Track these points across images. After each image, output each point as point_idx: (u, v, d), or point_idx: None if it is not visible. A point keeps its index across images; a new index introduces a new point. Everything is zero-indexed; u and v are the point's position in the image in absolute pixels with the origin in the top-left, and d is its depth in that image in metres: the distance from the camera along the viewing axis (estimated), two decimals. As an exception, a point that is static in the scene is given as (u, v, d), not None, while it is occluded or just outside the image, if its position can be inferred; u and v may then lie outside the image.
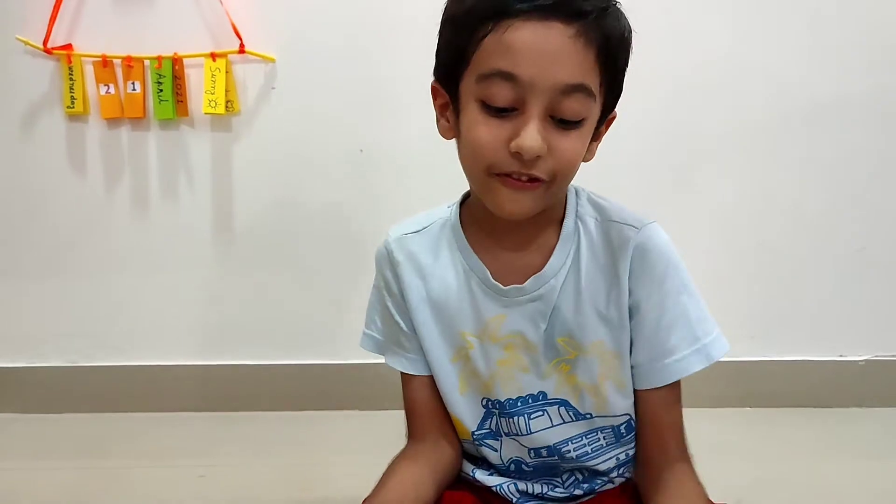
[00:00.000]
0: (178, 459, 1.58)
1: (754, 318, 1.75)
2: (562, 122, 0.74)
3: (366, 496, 0.88)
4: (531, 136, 0.72)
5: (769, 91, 1.66)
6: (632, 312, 0.85)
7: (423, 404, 0.95)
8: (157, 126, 1.70)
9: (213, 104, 1.63)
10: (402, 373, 0.95)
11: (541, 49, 0.70)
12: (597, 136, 0.81)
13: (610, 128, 0.83)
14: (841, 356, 1.77)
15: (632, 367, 0.88)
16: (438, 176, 1.64)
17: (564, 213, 0.88)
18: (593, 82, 0.73)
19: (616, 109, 0.80)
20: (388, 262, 0.93)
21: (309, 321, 1.78)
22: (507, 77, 0.72)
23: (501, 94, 0.73)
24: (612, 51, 0.73)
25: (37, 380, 1.79)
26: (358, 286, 1.72)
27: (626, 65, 0.77)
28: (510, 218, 0.80)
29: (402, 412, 0.96)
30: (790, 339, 1.77)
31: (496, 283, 0.88)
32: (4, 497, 1.44)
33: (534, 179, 0.76)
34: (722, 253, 1.72)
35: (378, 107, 1.68)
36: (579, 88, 0.72)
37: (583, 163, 0.80)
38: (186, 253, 1.75)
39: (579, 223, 0.87)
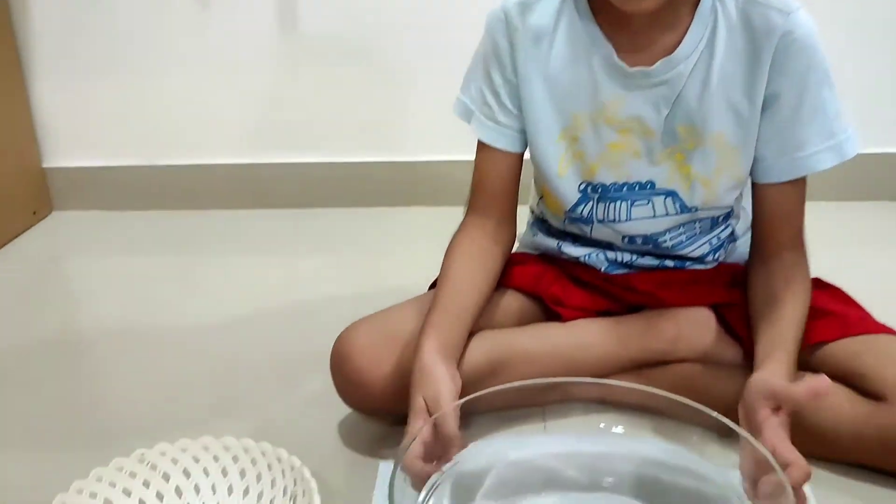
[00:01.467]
0: (257, 253, 1.63)
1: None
2: None
3: (434, 278, 0.89)
4: None
5: None
6: (766, 103, 0.81)
7: (499, 180, 0.92)
8: (211, -86, 1.62)
9: None
10: (481, 143, 0.91)
11: None
12: None
13: None
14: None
15: (756, 160, 0.84)
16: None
17: None
18: None
19: None
20: (503, 29, 0.86)
21: (375, 118, 1.76)
22: None
23: None
24: None
25: (115, 178, 1.83)
26: (425, 82, 1.69)
27: None
28: (633, 11, 0.75)
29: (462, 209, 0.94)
30: (879, 131, 1.68)
31: (620, 63, 0.82)
32: (97, 289, 1.52)
33: None
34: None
35: None
36: None
37: None
38: (250, 49, 1.72)
39: (717, 3, 0.80)
